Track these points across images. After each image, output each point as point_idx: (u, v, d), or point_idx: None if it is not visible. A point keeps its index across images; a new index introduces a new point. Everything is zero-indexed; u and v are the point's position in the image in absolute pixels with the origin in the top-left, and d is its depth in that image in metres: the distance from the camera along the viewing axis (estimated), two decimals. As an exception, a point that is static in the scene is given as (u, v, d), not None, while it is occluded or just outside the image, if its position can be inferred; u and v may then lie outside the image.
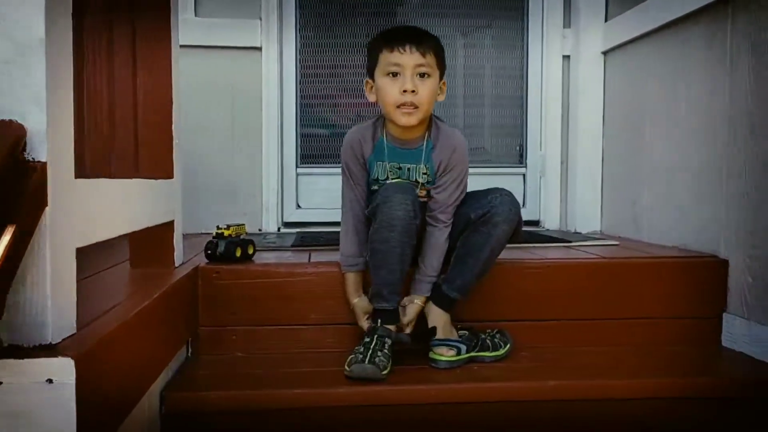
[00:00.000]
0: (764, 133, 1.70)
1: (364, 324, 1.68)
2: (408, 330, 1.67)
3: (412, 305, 1.67)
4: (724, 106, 1.87)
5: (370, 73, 1.68)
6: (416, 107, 1.60)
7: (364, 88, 1.71)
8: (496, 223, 1.62)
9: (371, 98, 1.69)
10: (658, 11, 2.20)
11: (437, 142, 1.69)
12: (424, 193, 1.71)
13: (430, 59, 1.61)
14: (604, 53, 2.67)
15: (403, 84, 1.59)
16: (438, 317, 1.66)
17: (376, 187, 1.70)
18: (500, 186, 1.70)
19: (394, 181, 1.67)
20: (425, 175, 1.69)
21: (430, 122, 1.70)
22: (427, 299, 1.68)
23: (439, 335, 1.64)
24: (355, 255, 1.73)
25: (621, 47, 2.54)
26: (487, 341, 1.70)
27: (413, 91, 1.58)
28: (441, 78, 1.67)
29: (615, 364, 1.70)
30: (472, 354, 1.66)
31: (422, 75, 1.60)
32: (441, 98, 1.69)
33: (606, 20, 2.66)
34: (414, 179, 1.69)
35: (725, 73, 1.87)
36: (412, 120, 1.61)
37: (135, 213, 1.42)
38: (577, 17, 2.72)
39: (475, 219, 1.64)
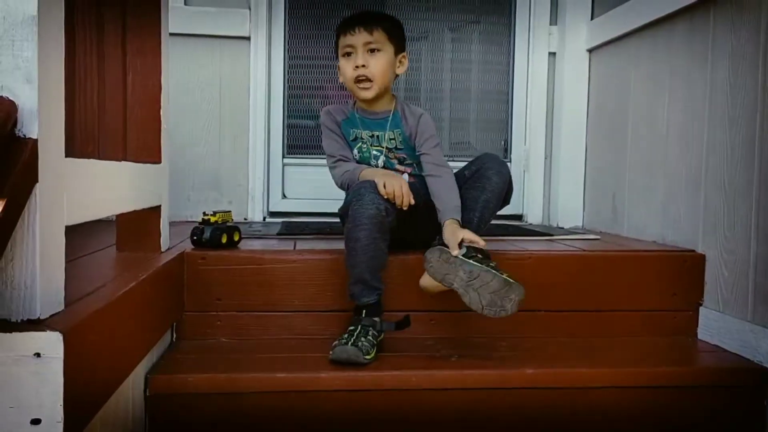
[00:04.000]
0: (741, 130, 1.74)
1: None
2: (460, 250, 1.61)
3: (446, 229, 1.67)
4: (703, 105, 1.91)
5: (335, 50, 1.88)
6: (370, 81, 1.79)
7: (338, 73, 1.87)
8: (489, 176, 1.76)
9: (341, 78, 1.86)
10: (643, 10, 2.24)
11: (404, 115, 1.85)
12: (397, 161, 1.87)
13: (379, 35, 1.79)
14: (590, 51, 2.71)
15: (354, 61, 1.78)
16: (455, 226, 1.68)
17: (356, 152, 1.88)
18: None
19: (368, 170, 1.81)
20: (392, 141, 1.86)
21: (397, 102, 1.87)
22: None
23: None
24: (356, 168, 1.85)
25: (606, 45, 2.58)
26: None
27: (363, 66, 1.78)
28: (399, 52, 1.85)
29: (593, 354, 1.74)
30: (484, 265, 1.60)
31: (372, 50, 1.79)
32: (400, 71, 1.87)
33: (592, 18, 2.69)
34: (383, 145, 1.86)
35: (706, 71, 1.90)
36: (369, 93, 1.81)
37: (123, 195, 1.43)
38: (564, 15, 2.76)
39: (469, 176, 1.80)
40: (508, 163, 2.92)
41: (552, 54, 2.84)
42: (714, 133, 1.86)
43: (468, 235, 1.62)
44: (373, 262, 1.64)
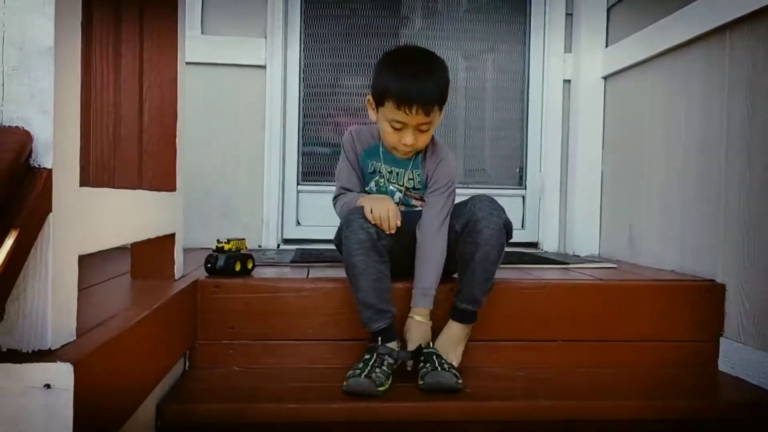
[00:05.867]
0: (760, 158, 1.72)
1: None
2: (410, 346, 1.65)
3: (409, 320, 1.68)
4: (721, 132, 1.89)
5: (375, 96, 1.71)
6: (412, 150, 1.72)
7: (366, 104, 1.76)
8: (480, 230, 1.65)
9: (372, 116, 1.75)
10: (659, 38, 2.24)
11: (428, 155, 1.78)
12: (414, 198, 1.82)
13: (434, 114, 1.66)
14: (605, 78, 2.70)
15: (403, 138, 1.67)
16: (456, 331, 1.71)
17: (374, 185, 1.82)
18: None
19: (363, 198, 1.73)
20: (411, 180, 1.80)
21: None
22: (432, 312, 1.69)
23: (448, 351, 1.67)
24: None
25: (621, 72, 2.57)
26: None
27: (413, 144, 1.68)
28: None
29: (610, 386, 1.70)
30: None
31: (423, 129, 1.68)
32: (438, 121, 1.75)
33: (606, 45, 2.69)
34: (402, 183, 1.81)
35: (723, 100, 1.89)
36: (407, 156, 1.75)
37: (137, 223, 1.43)
38: (578, 42, 2.76)
39: (460, 230, 1.69)
40: (523, 191, 2.92)
41: (567, 81, 2.84)
42: (732, 161, 1.84)
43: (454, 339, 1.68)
44: (376, 285, 1.62)
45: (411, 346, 1.64)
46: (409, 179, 1.80)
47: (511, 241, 1.74)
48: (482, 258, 1.65)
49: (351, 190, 1.82)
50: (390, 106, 1.65)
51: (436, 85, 1.66)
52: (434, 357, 1.61)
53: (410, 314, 1.68)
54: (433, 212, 1.73)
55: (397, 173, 1.80)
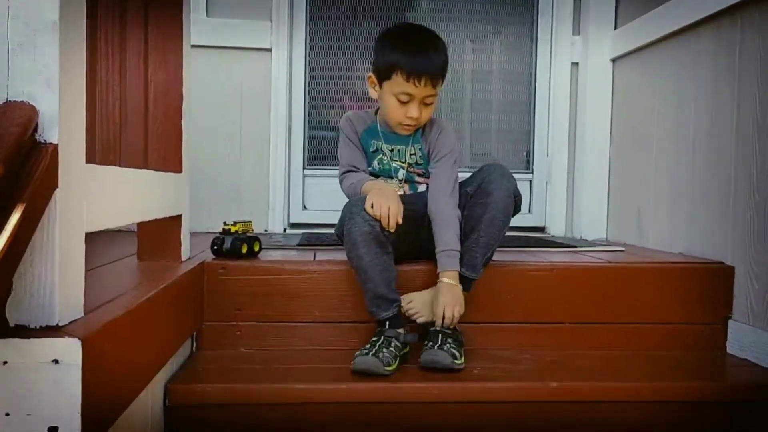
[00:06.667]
0: (772, 139, 1.70)
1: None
2: (443, 311, 1.63)
3: (438, 285, 1.66)
4: (731, 114, 1.88)
5: (377, 73, 1.74)
6: (416, 125, 1.75)
7: (367, 81, 1.78)
8: (491, 191, 1.68)
9: (373, 94, 1.78)
10: (668, 19, 2.21)
11: (426, 128, 1.80)
12: (418, 175, 1.83)
13: (439, 87, 1.71)
14: (613, 60, 2.68)
15: (409, 111, 1.70)
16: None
17: (377, 164, 1.84)
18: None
19: (368, 183, 1.74)
20: (413, 156, 1.81)
21: None
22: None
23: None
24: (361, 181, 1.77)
25: (630, 54, 2.55)
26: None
27: (417, 117, 1.71)
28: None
29: (618, 368, 1.70)
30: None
31: (428, 102, 1.71)
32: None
33: (615, 28, 2.67)
34: (404, 160, 1.82)
35: (734, 82, 1.87)
36: (409, 132, 1.78)
37: (144, 203, 1.43)
38: (587, 24, 2.73)
39: (472, 193, 1.73)
40: (530, 175, 2.90)
41: (575, 64, 2.82)
42: (743, 143, 1.82)
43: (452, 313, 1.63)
44: (384, 275, 1.63)
45: (448, 312, 1.61)
46: (411, 155, 1.82)
47: (517, 225, 1.73)
48: (489, 221, 1.67)
49: (357, 167, 1.83)
50: (398, 79, 1.67)
51: (441, 58, 1.72)
52: (440, 336, 1.61)
53: (439, 279, 1.66)
54: (441, 180, 1.76)
55: (399, 150, 1.82)
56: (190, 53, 1.74)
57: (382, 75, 1.71)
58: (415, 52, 1.68)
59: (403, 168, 1.83)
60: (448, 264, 1.66)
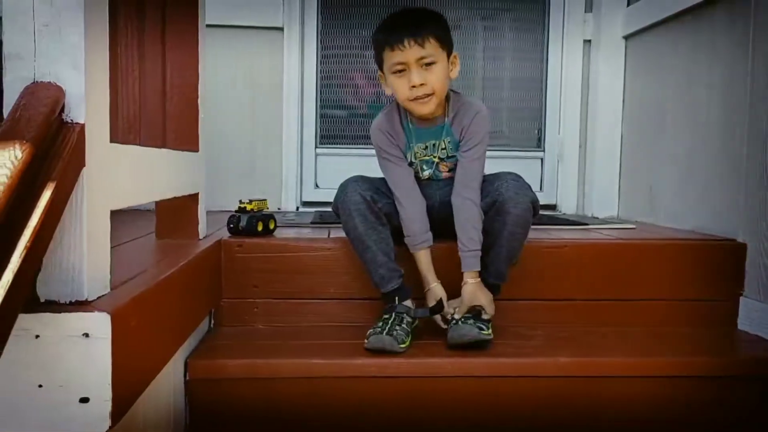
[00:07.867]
0: (786, 116, 1.70)
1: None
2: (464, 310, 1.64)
3: (465, 286, 1.65)
4: (745, 91, 1.87)
5: (378, 65, 1.70)
6: (430, 95, 1.62)
7: (379, 80, 1.72)
8: (508, 211, 1.62)
9: (388, 91, 1.69)
10: (681, -5, 2.20)
11: (457, 113, 1.71)
12: (446, 168, 1.76)
13: (431, 47, 1.59)
14: (626, 38, 2.67)
15: (410, 80, 1.60)
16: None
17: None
18: (518, 170, 1.72)
19: (423, 264, 1.70)
20: (444, 150, 1.74)
21: (448, 96, 1.71)
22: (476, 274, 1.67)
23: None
24: (421, 232, 1.70)
25: (643, 32, 2.53)
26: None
27: (423, 84, 1.60)
28: (450, 54, 1.66)
29: (628, 344, 1.72)
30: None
31: (428, 64, 1.60)
32: (454, 75, 1.68)
33: (628, 4, 2.65)
34: (436, 154, 1.74)
35: (746, 58, 1.86)
36: (428, 108, 1.64)
37: (163, 182, 1.45)
38: (599, 1, 2.72)
39: (486, 209, 1.66)
40: (542, 153, 2.91)
41: (587, 41, 2.80)
42: (756, 120, 1.82)
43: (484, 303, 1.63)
44: (381, 245, 1.64)
45: (487, 307, 1.64)
46: (442, 149, 1.73)
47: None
48: (509, 236, 1.64)
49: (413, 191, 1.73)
50: (387, 55, 1.61)
51: (423, 17, 1.63)
52: (461, 318, 1.61)
53: (464, 279, 1.65)
54: (468, 173, 1.69)
55: (433, 145, 1.73)
56: (205, 35, 1.75)
57: (379, 62, 1.67)
58: (392, 23, 1.64)
59: (429, 168, 1.76)
60: (473, 265, 1.65)
